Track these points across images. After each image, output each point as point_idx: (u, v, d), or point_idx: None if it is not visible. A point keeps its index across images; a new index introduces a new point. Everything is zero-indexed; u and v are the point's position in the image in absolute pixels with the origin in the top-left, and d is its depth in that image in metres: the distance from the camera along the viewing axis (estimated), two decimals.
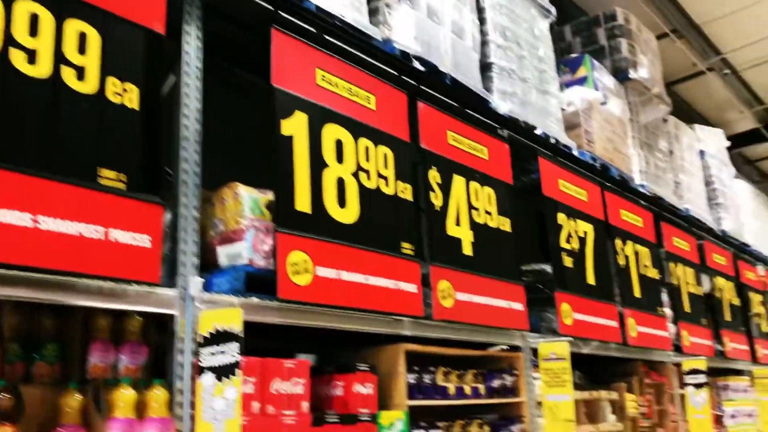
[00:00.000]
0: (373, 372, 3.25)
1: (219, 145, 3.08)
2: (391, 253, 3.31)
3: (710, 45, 10.05)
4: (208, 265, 2.85)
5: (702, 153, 8.06)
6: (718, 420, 6.65)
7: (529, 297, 4.26)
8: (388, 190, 3.40)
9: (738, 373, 7.41)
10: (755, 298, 8.29)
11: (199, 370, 2.43)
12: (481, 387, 3.97)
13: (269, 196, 2.98)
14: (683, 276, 6.51)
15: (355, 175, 3.21)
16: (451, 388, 3.75)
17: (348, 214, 3.12)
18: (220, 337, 2.42)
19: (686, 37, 9.43)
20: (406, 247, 3.41)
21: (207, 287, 2.64)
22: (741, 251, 8.44)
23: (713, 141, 8.43)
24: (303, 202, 2.90)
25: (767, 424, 7.32)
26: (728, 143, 8.90)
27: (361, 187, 3.23)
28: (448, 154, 3.90)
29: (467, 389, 3.85)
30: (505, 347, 4.22)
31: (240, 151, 3.47)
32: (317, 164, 3.02)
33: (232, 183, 2.99)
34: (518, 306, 4.12)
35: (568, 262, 4.73)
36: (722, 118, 12.37)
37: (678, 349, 6.03)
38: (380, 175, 3.36)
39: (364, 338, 3.37)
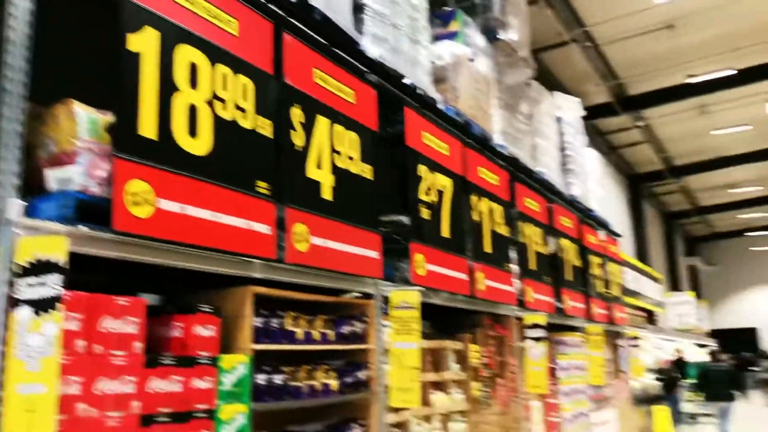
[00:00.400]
0: (216, 314, 3.09)
1: (55, 57, 2.74)
2: (245, 191, 3.14)
3: (576, 17, 10.48)
4: (35, 189, 2.56)
5: (559, 119, 8.41)
6: (552, 372, 7.08)
7: (386, 246, 4.24)
8: (246, 124, 3.20)
9: (573, 329, 7.92)
10: (595, 261, 8.87)
11: (14, 302, 2.17)
12: (331, 333, 3.92)
13: (109, 118, 2.71)
14: (531, 235, 6.79)
15: (210, 103, 2.98)
16: (300, 333, 3.67)
17: (199, 145, 2.90)
18: (40, 268, 2.17)
19: (555, 6, 9.76)
20: (262, 186, 3.25)
21: (31, 212, 2.36)
22: (586, 216, 8.96)
23: (570, 109, 8.81)
24: (148, 127, 2.65)
25: (595, 377, 7.92)
26: (584, 113, 9.35)
27: (216, 117, 3.01)
28: (313, 93, 3.74)
29: (316, 335, 3.79)
30: (357, 294, 4.20)
31: (80, 65, 3.13)
32: (167, 87, 2.76)
33: (68, 99, 2.68)
34: (373, 254, 4.10)
35: (425, 214, 4.75)
36: (579, 90, 13.02)
37: (521, 304, 6.32)
38: (238, 107, 3.15)
39: (215, 279, 3.20)
